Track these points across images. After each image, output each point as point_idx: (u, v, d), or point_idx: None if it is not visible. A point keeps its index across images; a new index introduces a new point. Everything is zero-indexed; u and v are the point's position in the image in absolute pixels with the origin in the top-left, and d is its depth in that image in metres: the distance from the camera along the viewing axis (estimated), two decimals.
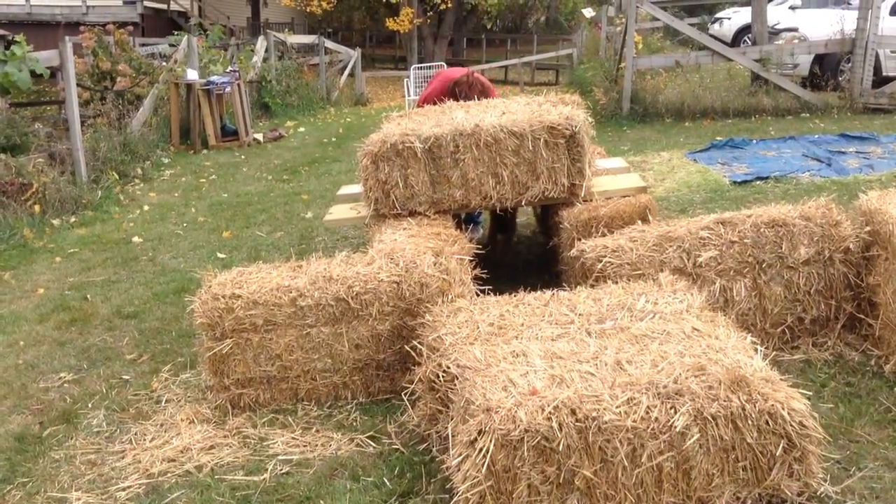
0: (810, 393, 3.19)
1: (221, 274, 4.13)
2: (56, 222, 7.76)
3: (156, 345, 4.87)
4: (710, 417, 2.82)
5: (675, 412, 2.82)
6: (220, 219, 7.85)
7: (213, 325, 3.95)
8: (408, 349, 3.75)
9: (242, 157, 11.24)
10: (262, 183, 9.50)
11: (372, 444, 3.57)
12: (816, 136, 9.28)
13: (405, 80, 14.91)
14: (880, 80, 11.46)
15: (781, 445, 2.83)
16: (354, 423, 3.79)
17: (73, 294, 5.87)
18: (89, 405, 4.16)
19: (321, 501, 3.14)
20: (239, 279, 4.08)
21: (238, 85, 12.23)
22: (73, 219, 7.97)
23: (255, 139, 12.35)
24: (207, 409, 4.00)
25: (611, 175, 5.26)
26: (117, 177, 9.37)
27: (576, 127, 4.56)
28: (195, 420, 3.91)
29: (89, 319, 5.34)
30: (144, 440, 3.77)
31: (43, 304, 5.70)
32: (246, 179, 9.74)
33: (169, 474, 3.46)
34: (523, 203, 4.79)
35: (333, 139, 12.65)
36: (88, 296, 5.79)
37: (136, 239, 7.23)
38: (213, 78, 12.17)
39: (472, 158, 4.67)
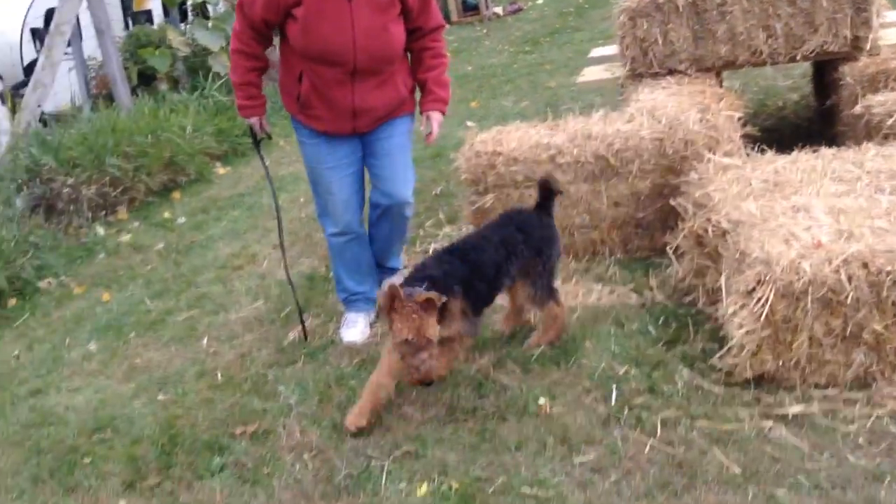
0: None
1: (482, 133, 4.26)
2: None
3: (418, 202, 5.16)
4: None
5: None
6: (466, 90, 8.01)
7: (476, 180, 4.11)
8: (672, 205, 3.68)
9: (484, 30, 11.29)
10: (505, 55, 9.51)
11: (634, 294, 3.61)
12: None
13: None
14: None
15: None
16: (614, 277, 3.82)
17: None
18: None
19: (586, 342, 3.23)
20: (499, 137, 4.19)
21: None
22: None
23: (494, 13, 12.32)
24: None
25: None
26: None
27: None
28: None
29: None
30: None
31: None
32: (489, 52, 9.80)
33: None
34: (798, 58, 4.43)
35: (573, 9, 12.29)
36: None
37: None
38: None
39: (740, 10, 4.37)
